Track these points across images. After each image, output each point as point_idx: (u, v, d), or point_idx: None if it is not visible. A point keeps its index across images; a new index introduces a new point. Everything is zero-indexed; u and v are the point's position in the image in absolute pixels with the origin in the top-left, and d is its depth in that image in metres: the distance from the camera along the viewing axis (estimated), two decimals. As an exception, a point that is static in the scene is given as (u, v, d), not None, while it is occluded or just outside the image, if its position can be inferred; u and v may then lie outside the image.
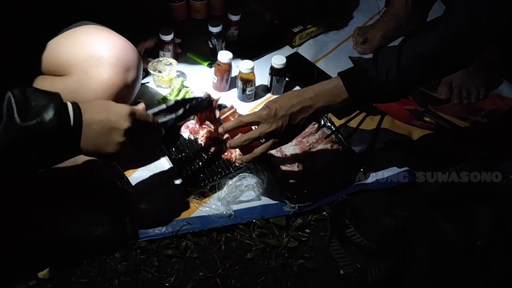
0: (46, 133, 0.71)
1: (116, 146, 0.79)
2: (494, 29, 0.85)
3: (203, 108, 1.02)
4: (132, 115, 0.80)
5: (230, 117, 1.01)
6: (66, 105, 0.75)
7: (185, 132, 1.14)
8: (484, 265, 0.97)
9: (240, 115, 0.98)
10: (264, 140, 0.91)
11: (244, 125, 0.91)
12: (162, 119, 0.91)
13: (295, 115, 0.88)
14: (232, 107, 1.05)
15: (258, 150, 0.91)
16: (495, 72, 1.37)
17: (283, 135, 0.90)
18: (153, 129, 0.87)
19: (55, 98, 0.74)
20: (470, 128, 1.24)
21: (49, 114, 0.71)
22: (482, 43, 0.87)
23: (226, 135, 0.97)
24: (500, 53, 1.31)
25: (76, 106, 0.76)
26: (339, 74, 0.91)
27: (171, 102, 0.95)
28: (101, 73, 0.91)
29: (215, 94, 1.07)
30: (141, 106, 0.87)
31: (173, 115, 0.93)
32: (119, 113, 0.79)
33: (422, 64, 0.86)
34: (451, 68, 0.92)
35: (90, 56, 0.93)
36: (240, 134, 0.92)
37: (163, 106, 0.93)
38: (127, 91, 0.95)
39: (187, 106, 0.96)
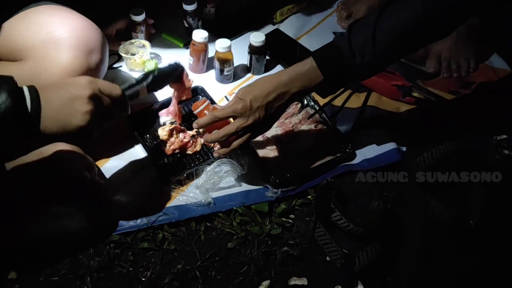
0: None
1: (83, 116, 0.72)
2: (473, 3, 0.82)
3: (176, 77, 0.96)
4: (92, 83, 0.74)
5: (205, 110, 0.96)
6: (20, 88, 0.70)
7: (160, 118, 1.08)
8: (476, 244, 0.93)
9: (214, 109, 0.94)
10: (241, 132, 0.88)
11: (219, 120, 0.88)
12: (127, 92, 0.85)
13: (271, 104, 0.86)
14: (205, 100, 0.98)
15: (236, 143, 0.89)
16: (485, 43, 1.31)
17: (261, 126, 0.88)
18: (118, 101, 0.79)
19: (7, 81, 0.68)
20: (458, 101, 1.19)
21: (1, 97, 0.66)
22: (462, 16, 0.84)
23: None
24: (482, 24, 1.25)
25: (32, 88, 0.70)
26: (312, 54, 0.87)
27: (140, 76, 0.89)
28: (60, 56, 0.84)
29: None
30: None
31: (138, 87, 0.87)
32: (78, 83, 0.73)
33: (398, 42, 0.83)
34: (427, 42, 0.91)
35: (47, 38, 0.86)
36: (216, 130, 0.89)
37: (132, 80, 0.88)
38: (90, 76, 0.88)
39: (156, 73, 0.90)
